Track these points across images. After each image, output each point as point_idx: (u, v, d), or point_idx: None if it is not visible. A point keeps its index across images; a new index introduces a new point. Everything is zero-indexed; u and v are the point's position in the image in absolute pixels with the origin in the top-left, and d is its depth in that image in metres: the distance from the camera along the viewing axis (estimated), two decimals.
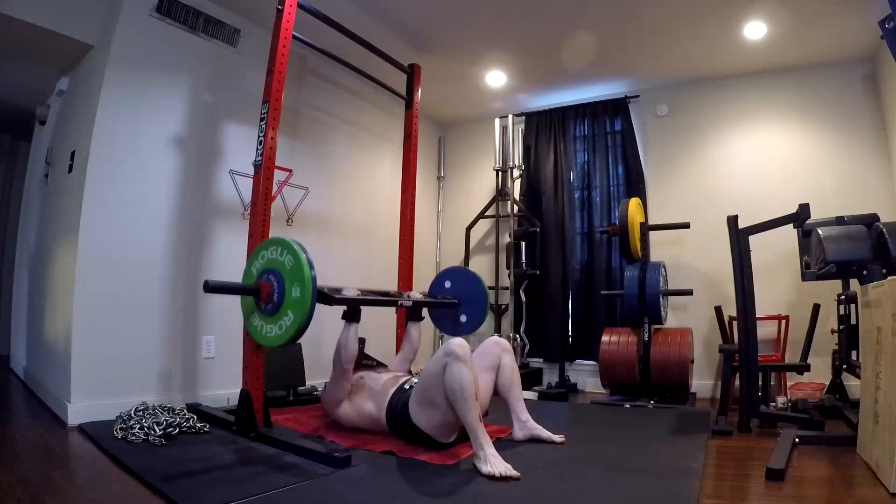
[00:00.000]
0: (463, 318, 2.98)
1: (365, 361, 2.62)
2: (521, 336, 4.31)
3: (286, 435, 2.22)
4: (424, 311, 2.97)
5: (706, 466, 1.98)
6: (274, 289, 1.97)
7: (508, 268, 4.33)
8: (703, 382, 3.84)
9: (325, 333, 3.58)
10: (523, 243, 4.33)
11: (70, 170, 2.82)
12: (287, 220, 3.49)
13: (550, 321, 4.31)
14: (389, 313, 3.43)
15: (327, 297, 2.23)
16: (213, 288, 1.89)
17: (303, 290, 1.89)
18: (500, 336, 4.02)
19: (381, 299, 2.61)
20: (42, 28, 2.70)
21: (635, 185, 4.21)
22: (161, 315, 2.80)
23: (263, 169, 2.43)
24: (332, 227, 3.86)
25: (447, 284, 3.05)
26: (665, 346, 3.48)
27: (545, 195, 4.51)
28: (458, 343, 1.96)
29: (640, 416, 3.00)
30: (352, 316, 2.37)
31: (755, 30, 3.35)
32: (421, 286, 3.37)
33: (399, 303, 2.65)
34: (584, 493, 1.68)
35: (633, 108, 4.31)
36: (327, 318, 3.69)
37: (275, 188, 2.91)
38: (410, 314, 2.86)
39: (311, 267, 1.92)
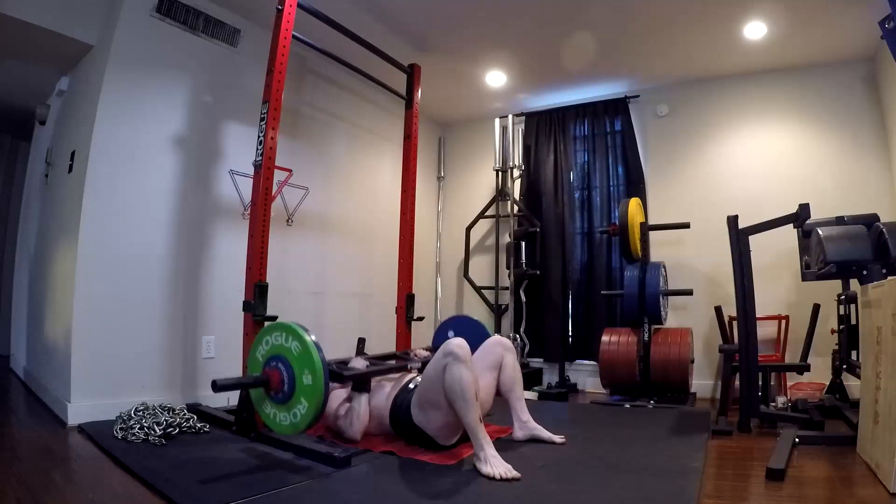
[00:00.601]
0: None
1: (365, 360, 2.62)
2: (521, 336, 4.31)
3: (286, 435, 2.22)
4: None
5: (706, 466, 1.98)
6: (283, 377, 1.92)
7: (508, 268, 4.33)
8: (703, 382, 3.84)
9: (325, 332, 3.58)
10: (523, 243, 4.34)
11: (70, 170, 2.82)
12: (287, 220, 3.49)
13: (550, 321, 4.31)
14: (390, 314, 3.43)
15: (338, 375, 2.17)
16: (222, 387, 1.84)
17: (314, 375, 1.85)
18: (501, 336, 4.02)
19: (390, 367, 2.50)
20: (42, 28, 2.69)
21: (635, 185, 4.21)
22: (161, 315, 2.80)
23: (263, 169, 2.43)
24: (332, 227, 3.86)
25: (450, 334, 2.99)
26: (665, 346, 3.48)
27: (545, 195, 4.51)
28: (457, 343, 1.96)
29: (640, 416, 3.00)
30: (362, 387, 2.30)
31: (755, 30, 3.35)
32: (421, 286, 3.37)
33: (408, 366, 2.55)
34: (584, 493, 1.68)
35: (633, 108, 4.30)
36: (327, 312, 3.71)
37: (275, 188, 2.90)
38: (421, 371, 2.78)
39: (320, 350, 1.88)
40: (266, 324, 2.24)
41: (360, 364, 2.41)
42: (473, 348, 2.81)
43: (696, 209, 3.97)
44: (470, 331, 2.91)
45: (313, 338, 1.91)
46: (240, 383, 1.98)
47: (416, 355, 2.75)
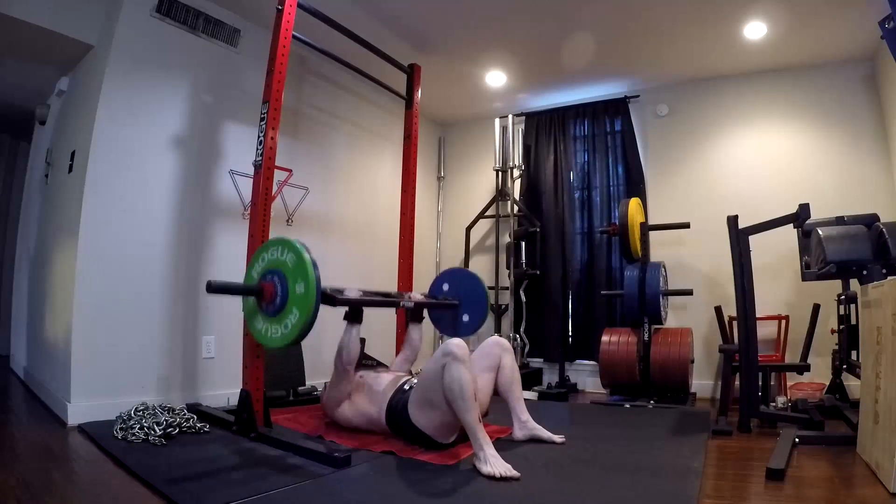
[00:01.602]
0: (465, 318, 2.97)
1: (365, 361, 2.62)
2: (521, 336, 4.31)
3: (286, 435, 2.22)
4: (425, 312, 2.96)
5: (706, 466, 1.98)
6: (277, 288, 1.94)
7: (508, 268, 4.33)
8: (703, 382, 3.84)
9: (325, 333, 3.58)
10: (523, 243, 4.33)
11: (70, 170, 2.82)
12: (287, 220, 3.49)
13: (550, 321, 4.31)
14: (390, 314, 3.43)
15: (330, 297, 2.22)
16: (215, 288, 1.88)
17: (307, 285, 1.86)
18: (500, 336, 4.02)
19: (383, 300, 2.60)
20: (42, 28, 2.69)
21: (635, 185, 4.21)
22: (161, 315, 2.80)
23: (263, 169, 2.43)
24: (332, 227, 3.86)
25: (445, 287, 3.03)
26: (665, 346, 3.48)
27: (545, 195, 4.51)
28: (456, 343, 1.96)
29: (640, 416, 3.00)
30: (354, 317, 2.36)
31: (755, 30, 3.35)
32: (421, 286, 3.37)
33: (401, 304, 2.64)
34: (583, 493, 1.68)
35: (633, 108, 4.31)
36: (328, 317, 3.70)
37: (275, 188, 2.90)
38: (411, 315, 2.85)
39: (314, 264, 1.91)
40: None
41: (353, 293, 2.43)
42: (467, 302, 2.85)
43: (696, 209, 3.97)
44: (464, 283, 2.99)
45: (311, 255, 1.92)
46: (234, 288, 2.03)
47: (409, 296, 2.80)
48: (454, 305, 2.98)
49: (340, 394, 2.36)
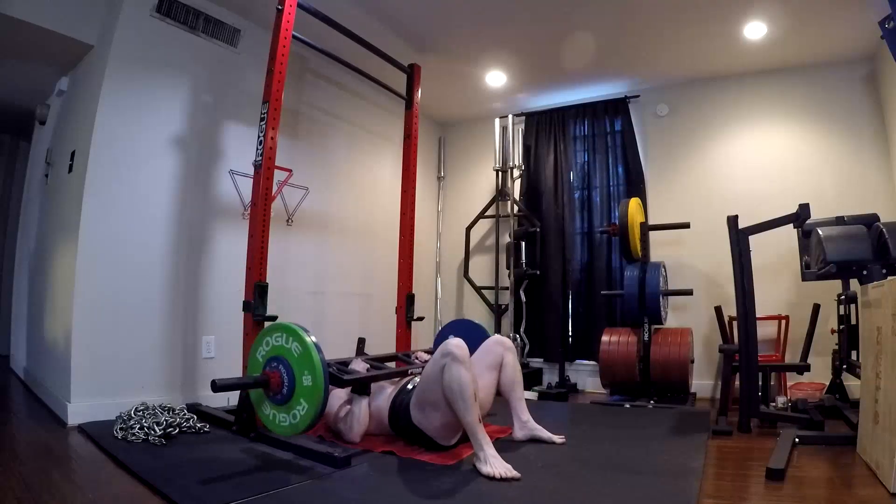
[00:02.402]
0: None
1: (365, 361, 2.62)
2: (521, 336, 4.31)
3: (285, 436, 2.22)
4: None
5: (706, 466, 1.98)
6: (283, 378, 1.91)
7: (508, 268, 4.33)
8: (703, 382, 3.84)
9: (325, 333, 3.58)
10: (523, 243, 4.33)
11: (70, 170, 2.82)
12: (287, 220, 3.49)
13: (550, 321, 4.31)
14: (390, 313, 3.43)
15: (338, 379, 2.16)
16: (221, 387, 1.84)
17: (314, 377, 1.85)
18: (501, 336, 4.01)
19: (391, 371, 2.49)
20: (42, 28, 2.70)
21: (635, 185, 4.21)
22: (161, 315, 2.80)
23: (263, 169, 2.43)
24: (332, 227, 3.86)
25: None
26: (665, 346, 3.48)
27: (545, 195, 4.51)
28: (455, 344, 1.96)
29: (640, 416, 3.00)
30: (362, 391, 2.29)
31: (755, 30, 3.35)
32: (420, 286, 3.37)
33: (409, 371, 2.53)
34: (583, 493, 1.68)
35: (633, 108, 4.30)
36: (327, 312, 3.71)
37: (275, 188, 2.90)
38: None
39: (320, 351, 1.88)
40: (266, 324, 2.23)
41: (360, 367, 2.40)
42: (474, 352, 2.81)
43: (696, 209, 3.97)
44: (471, 335, 2.90)
45: (314, 339, 1.91)
46: (240, 384, 1.97)
47: (417, 358, 2.74)
48: None
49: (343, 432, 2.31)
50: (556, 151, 4.51)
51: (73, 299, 2.51)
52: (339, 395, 2.37)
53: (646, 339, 3.53)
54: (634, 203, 3.79)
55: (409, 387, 2.25)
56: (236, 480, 1.74)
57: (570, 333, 4.31)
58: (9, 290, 4.29)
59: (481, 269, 4.76)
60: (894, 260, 2.34)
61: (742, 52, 3.63)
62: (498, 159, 4.48)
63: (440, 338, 3.07)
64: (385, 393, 2.31)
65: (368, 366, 2.46)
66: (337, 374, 2.19)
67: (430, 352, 2.87)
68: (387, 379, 2.42)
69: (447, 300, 4.92)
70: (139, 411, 2.35)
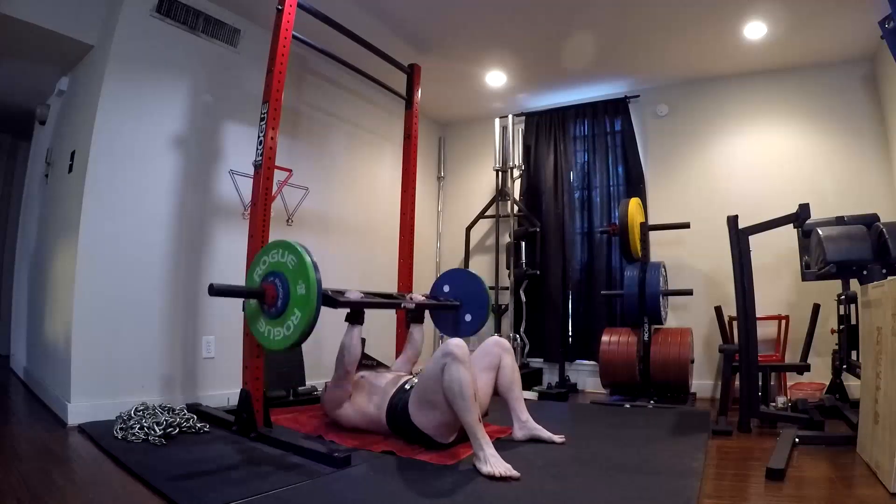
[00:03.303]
0: (467, 318, 2.98)
1: (365, 362, 2.62)
2: (521, 336, 4.31)
3: (286, 435, 2.22)
4: (427, 313, 2.96)
5: (706, 466, 1.98)
6: (278, 290, 1.96)
7: (508, 268, 4.33)
8: (703, 382, 3.84)
9: (325, 333, 3.57)
10: (523, 243, 4.33)
11: (70, 170, 2.82)
12: (287, 220, 3.49)
13: (550, 321, 4.31)
14: (390, 314, 3.43)
15: (331, 299, 2.22)
16: (218, 291, 1.89)
17: (308, 286, 1.88)
18: (500, 336, 4.02)
19: (384, 302, 2.60)
20: (42, 28, 2.70)
21: (635, 185, 4.21)
22: (161, 315, 2.80)
23: (263, 169, 2.43)
24: (332, 227, 3.86)
25: (445, 289, 3.03)
26: (665, 346, 3.48)
27: (545, 195, 4.51)
28: (455, 343, 1.96)
29: (640, 416, 3.00)
30: (355, 318, 2.36)
31: (755, 30, 3.35)
32: (421, 287, 3.38)
33: (402, 305, 2.64)
34: (583, 493, 1.68)
35: (633, 108, 4.31)
36: (328, 318, 3.70)
37: (275, 188, 2.90)
38: (413, 317, 2.85)
39: (315, 266, 1.92)
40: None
41: (354, 295, 2.43)
42: (469, 303, 2.85)
43: (696, 209, 3.97)
44: (465, 284, 2.99)
45: (311, 258, 1.93)
46: (236, 290, 2.03)
47: (410, 297, 2.79)
48: (455, 306, 2.98)
49: (341, 394, 2.36)
50: (556, 151, 4.51)
51: (73, 299, 2.51)
52: (340, 396, 2.38)
53: (646, 339, 3.53)
54: (634, 203, 3.79)
55: (408, 386, 2.25)
56: (236, 480, 1.74)
57: (570, 333, 4.31)
58: (9, 290, 4.29)
59: (481, 269, 4.75)
60: (894, 260, 2.34)
61: (742, 52, 3.63)
62: (498, 159, 4.48)
63: (436, 287, 3.09)
64: (382, 390, 2.31)
65: (363, 294, 2.47)
66: (332, 296, 2.22)
67: (426, 295, 2.98)
68: (379, 308, 2.47)
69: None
70: (139, 411, 2.35)
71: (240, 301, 2.42)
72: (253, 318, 2.06)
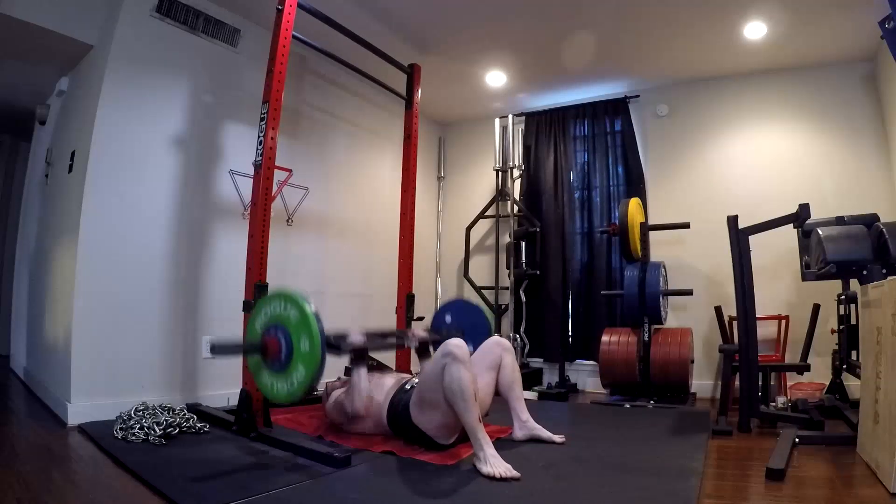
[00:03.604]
0: (470, 348, 2.94)
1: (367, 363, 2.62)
2: (521, 336, 4.31)
3: (286, 435, 2.22)
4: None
5: (706, 466, 1.98)
6: (281, 344, 1.91)
7: (508, 268, 4.33)
8: (703, 382, 3.84)
9: (325, 325, 3.57)
10: (523, 243, 4.33)
11: (70, 170, 2.82)
12: (287, 220, 3.49)
13: (550, 321, 4.31)
14: (390, 314, 3.42)
15: (335, 347, 2.17)
16: (220, 350, 1.84)
17: (311, 342, 1.84)
18: (501, 336, 4.02)
19: (387, 343, 2.51)
20: (42, 28, 2.69)
21: (635, 185, 4.21)
22: (161, 315, 2.80)
23: (263, 169, 2.43)
24: (332, 227, 3.86)
25: (448, 318, 2.99)
26: (665, 346, 3.48)
27: (545, 195, 4.51)
28: (455, 344, 1.96)
29: (640, 416, 3.00)
30: (360, 360, 2.31)
31: (755, 30, 3.35)
32: (420, 286, 3.37)
33: (405, 344, 2.56)
34: (583, 493, 1.68)
35: (633, 108, 4.31)
36: (327, 312, 3.69)
37: (275, 188, 2.90)
38: (419, 352, 2.75)
39: (318, 318, 1.88)
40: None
41: (357, 338, 2.41)
42: (470, 333, 2.83)
43: (696, 209, 3.97)
44: (467, 314, 2.94)
45: (312, 307, 1.90)
46: (238, 347, 1.98)
47: (413, 335, 2.74)
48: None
49: (348, 412, 2.33)
50: (556, 151, 4.51)
51: (73, 299, 2.51)
52: (338, 393, 2.37)
53: (646, 339, 3.53)
54: (634, 203, 3.79)
55: (408, 387, 2.25)
56: (236, 480, 1.74)
57: (570, 333, 4.31)
58: (9, 290, 4.29)
59: (481, 269, 4.76)
60: (894, 260, 2.34)
61: (742, 52, 3.63)
62: (498, 159, 4.48)
63: (437, 317, 3.06)
64: (383, 391, 2.31)
65: (365, 337, 2.46)
66: (335, 342, 2.19)
67: (427, 329, 2.90)
68: (383, 348, 2.41)
69: (447, 300, 4.91)
70: (139, 411, 2.35)
71: (239, 301, 2.43)
72: (256, 370, 2.01)
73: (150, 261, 2.78)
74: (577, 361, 4.29)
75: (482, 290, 4.62)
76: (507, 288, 4.36)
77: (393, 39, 3.48)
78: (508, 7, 3.19)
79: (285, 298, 1.95)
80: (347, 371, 2.37)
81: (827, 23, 3.23)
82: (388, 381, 2.35)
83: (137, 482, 1.70)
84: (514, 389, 2.33)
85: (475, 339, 2.87)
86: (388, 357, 3.42)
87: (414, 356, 2.90)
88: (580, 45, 3.61)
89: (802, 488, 1.75)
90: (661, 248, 4.05)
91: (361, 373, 2.27)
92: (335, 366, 2.35)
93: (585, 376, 4.22)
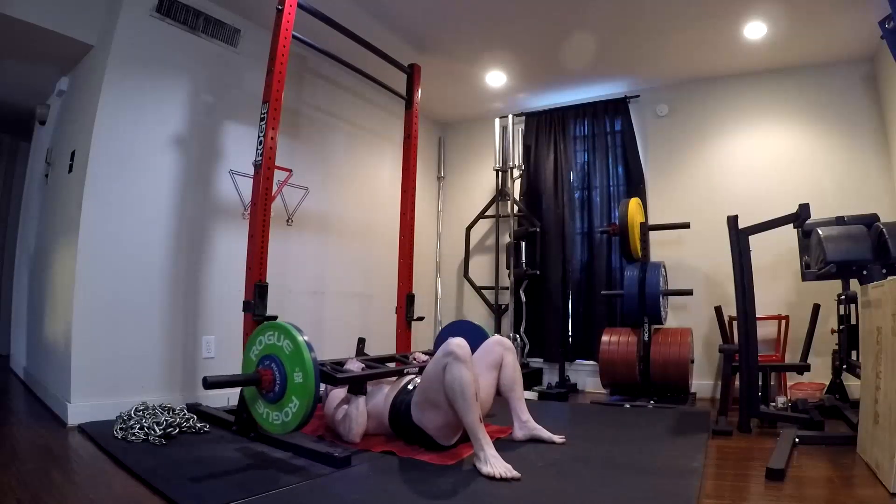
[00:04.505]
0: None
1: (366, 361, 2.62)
2: (521, 336, 4.31)
3: (278, 434, 2.21)
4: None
5: (706, 466, 1.98)
6: (275, 376, 1.93)
7: (508, 268, 4.33)
8: (703, 382, 3.84)
9: (325, 332, 3.58)
10: (523, 243, 4.33)
11: (70, 170, 2.82)
12: (287, 220, 3.49)
13: (550, 321, 4.31)
14: (390, 314, 3.43)
15: (331, 377, 2.17)
16: (212, 384, 1.83)
17: (305, 374, 1.86)
18: (501, 336, 4.01)
19: (386, 371, 2.45)
20: (42, 28, 2.69)
21: (635, 185, 4.21)
22: (161, 315, 2.80)
23: (263, 169, 2.43)
24: (332, 227, 3.86)
25: None
26: (665, 346, 3.48)
27: (545, 195, 4.51)
28: (457, 343, 1.96)
29: (640, 416, 3.00)
30: (358, 389, 2.28)
31: (755, 30, 3.35)
32: (420, 286, 3.37)
33: (405, 371, 2.49)
34: (583, 493, 1.68)
35: (633, 108, 4.30)
36: (327, 312, 3.71)
37: (275, 188, 2.90)
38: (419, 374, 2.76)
39: (311, 349, 1.89)
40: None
41: (355, 366, 2.40)
42: (474, 352, 2.79)
43: (696, 209, 3.97)
44: (470, 336, 2.88)
45: (305, 338, 1.91)
46: (231, 381, 1.98)
47: (415, 359, 2.72)
48: None
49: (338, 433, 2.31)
50: (556, 151, 4.51)
51: (73, 299, 2.51)
52: (337, 395, 2.37)
53: (646, 339, 3.53)
54: (634, 203, 3.79)
55: (410, 387, 2.25)
56: (236, 480, 1.74)
57: (570, 333, 4.31)
58: (9, 290, 4.29)
59: (481, 269, 4.76)
60: (894, 260, 2.34)
61: (742, 52, 3.63)
62: (498, 159, 4.48)
63: (440, 339, 3.06)
64: (383, 392, 2.31)
65: (364, 365, 2.45)
66: (331, 372, 2.19)
67: (429, 353, 2.86)
68: (381, 378, 2.41)
69: (447, 300, 4.92)
70: (139, 411, 2.35)
71: (239, 301, 2.43)
72: (252, 400, 2.03)
73: (150, 261, 2.78)
74: (577, 361, 4.29)
75: (482, 290, 4.62)
76: (507, 288, 4.36)
77: (393, 39, 3.48)
78: (508, 7, 3.19)
79: (279, 329, 1.96)
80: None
81: (827, 23, 3.23)
82: (389, 382, 2.35)
83: (137, 482, 1.70)
84: (514, 389, 2.33)
85: None
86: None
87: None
88: (580, 44, 3.61)
89: (802, 488, 1.75)
90: (661, 248, 4.05)
91: (359, 403, 2.23)
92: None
93: (585, 376, 4.22)
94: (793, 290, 3.63)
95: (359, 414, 2.22)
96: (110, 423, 2.30)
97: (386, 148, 4.37)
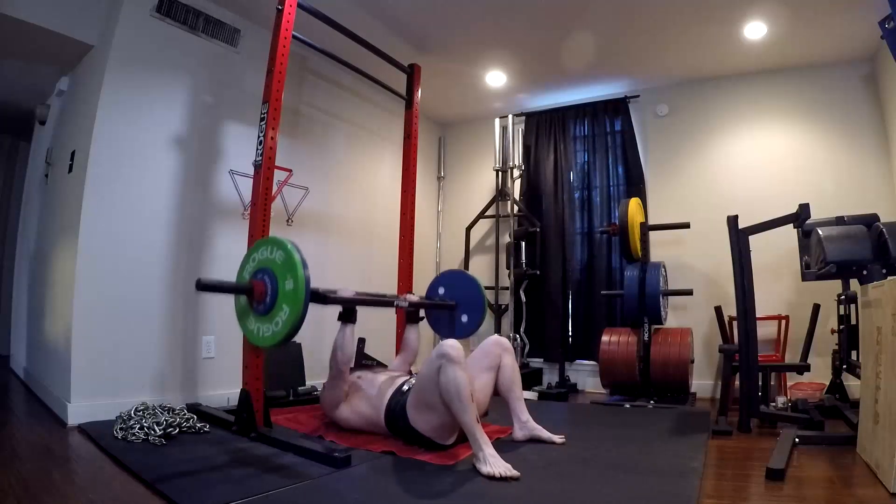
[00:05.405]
0: (464, 319, 2.95)
1: (364, 361, 2.63)
2: (521, 336, 4.31)
3: (286, 435, 2.22)
4: (423, 314, 2.95)
5: (706, 466, 1.98)
6: (267, 287, 1.93)
7: (508, 268, 4.33)
8: (703, 382, 3.84)
9: (325, 333, 3.57)
10: (523, 243, 4.33)
11: (70, 170, 2.82)
12: (287, 220, 3.49)
13: (550, 321, 4.31)
14: (390, 314, 3.43)
15: (322, 296, 2.20)
16: (204, 286, 1.85)
17: (296, 281, 1.84)
18: (500, 336, 4.01)
19: (376, 300, 2.56)
20: (42, 28, 2.70)
21: (635, 185, 4.21)
22: (161, 315, 2.80)
23: (263, 169, 2.43)
24: (332, 227, 3.86)
25: (441, 291, 2.99)
26: (665, 346, 3.48)
27: (545, 195, 4.51)
28: (450, 345, 1.96)
29: (640, 416, 3.00)
30: (347, 317, 2.34)
31: (755, 30, 3.35)
32: (421, 288, 3.37)
33: (395, 304, 2.60)
34: (584, 493, 1.68)
35: (633, 108, 4.31)
36: (328, 317, 3.70)
37: (275, 188, 2.90)
38: (408, 317, 2.85)
39: (304, 262, 1.89)
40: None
41: (347, 293, 2.40)
42: (464, 306, 2.82)
43: (696, 209, 3.97)
44: (461, 285, 2.95)
45: (300, 254, 1.91)
46: (224, 285, 2.02)
47: (405, 298, 2.76)
48: (451, 306, 2.95)
49: (337, 394, 2.36)
50: (556, 151, 4.52)
51: (73, 299, 2.51)
52: (336, 396, 2.37)
53: (646, 339, 3.53)
54: (634, 203, 3.79)
55: (405, 388, 2.24)
56: (236, 480, 1.74)
57: (570, 333, 4.31)
58: (9, 290, 4.30)
59: (481, 269, 4.76)
60: (894, 260, 2.34)
61: (742, 52, 3.63)
62: (498, 159, 4.48)
63: (433, 287, 3.05)
64: (379, 392, 2.30)
65: (355, 293, 2.46)
66: (322, 293, 2.20)
67: (422, 297, 2.97)
68: (371, 305, 2.42)
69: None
70: (139, 411, 2.35)
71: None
72: (243, 315, 2.03)
73: (150, 261, 2.78)
74: (577, 361, 4.29)
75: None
76: (507, 288, 4.36)
77: (393, 39, 3.48)
78: (508, 7, 3.19)
79: (273, 243, 1.97)
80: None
81: (827, 23, 3.23)
82: (383, 382, 2.35)
83: (137, 482, 1.70)
84: (513, 390, 2.33)
85: (470, 310, 2.89)
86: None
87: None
88: (580, 44, 3.61)
89: (802, 488, 1.75)
90: (661, 248, 4.05)
91: (346, 331, 2.31)
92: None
93: (585, 376, 4.22)
94: (793, 290, 3.63)
95: (346, 341, 2.29)
96: (110, 423, 2.30)
97: (386, 148, 4.37)
